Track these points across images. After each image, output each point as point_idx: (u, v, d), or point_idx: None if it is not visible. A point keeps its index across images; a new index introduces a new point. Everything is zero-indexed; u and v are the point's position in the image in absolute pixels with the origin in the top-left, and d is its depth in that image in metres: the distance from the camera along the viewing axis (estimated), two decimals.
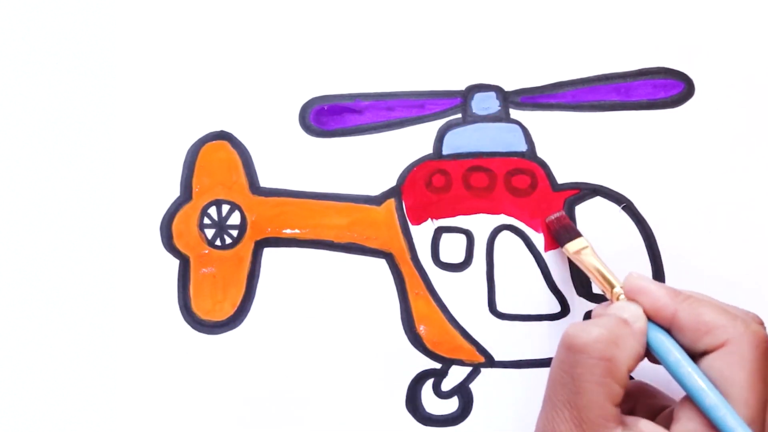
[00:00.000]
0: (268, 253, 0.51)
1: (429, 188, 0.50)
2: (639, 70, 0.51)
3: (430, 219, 0.50)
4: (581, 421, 0.40)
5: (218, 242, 0.51)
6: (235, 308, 0.50)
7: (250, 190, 0.51)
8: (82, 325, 0.51)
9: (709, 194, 0.50)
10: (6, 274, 0.51)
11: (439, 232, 0.50)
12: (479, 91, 0.51)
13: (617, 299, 0.44)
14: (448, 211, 0.50)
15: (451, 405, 0.50)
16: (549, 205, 0.50)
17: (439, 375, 0.50)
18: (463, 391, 0.50)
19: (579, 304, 0.50)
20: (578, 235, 0.48)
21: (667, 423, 0.41)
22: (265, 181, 0.51)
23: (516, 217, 0.50)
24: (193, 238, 0.51)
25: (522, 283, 0.50)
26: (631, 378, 0.46)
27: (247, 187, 0.51)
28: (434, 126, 0.51)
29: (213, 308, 0.50)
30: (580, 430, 0.40)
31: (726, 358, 0.40)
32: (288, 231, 0.51)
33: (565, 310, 0.50)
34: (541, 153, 0.50)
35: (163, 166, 0.51)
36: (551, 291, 0.50)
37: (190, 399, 0.50)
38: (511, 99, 0.51)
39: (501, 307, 0.50)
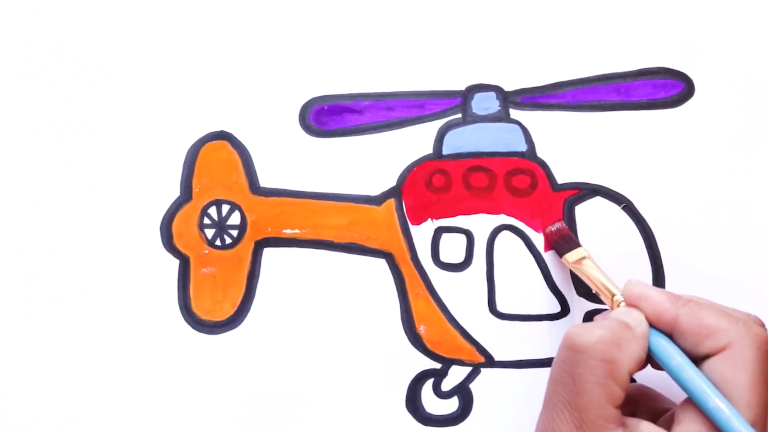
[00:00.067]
0: (268, 253, 0.50)
1: (429, 188, 0.50)
2: (639, 70, 0.50)
3: (430, 219, 0.50)
4: (581, 422, 0.40)
5: (218, 242, 0.51)
6: (235, 308, 0.50)
7: (250, 190, 0.51)
8: (82, 325, 0.50)
9: (709, 194, 0.50)
10: (6, 274, 0.51)
11: (439, 232, 0.50)
12: (479, 91, 0.51)
13: (618, 306, 0.44)
14: (448, 211, 0.50)
15: (451, 405, 0.50)
16: (549, 205, 0.50)
17: (439, 375, 0.50)
18: (463, 391, 0.50)
19: (579, 304, 0.49)
20: (577, 245, 0.48)
21: (668, 426, 0.41)
22: (265, 181, 0.51)
23: (516, 217, 0.50)
24: (193, 238, 0.51)
25: (522, 283, 0.50)
26: (633, 381, 0.45)
27: (247, 187, 0.51)
28: (434, 126, 0.51)
29: (213, 308, 0.50)
30: (580, 430, 0.40)
31: (728, 360, 0.39)
32: (288, 231, 0.50)
33: (565, 310, 0.49)
34: (541, 153, 0.50)
35: (163, 166, 0.51)
36: (551, 291, 0.49)
37: (190, 399, 0.50)
38: (511, 99, 0.50)
39: (501, 307, 0.50)
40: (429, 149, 0.50)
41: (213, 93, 0.51)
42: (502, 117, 0.50)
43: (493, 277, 0.50)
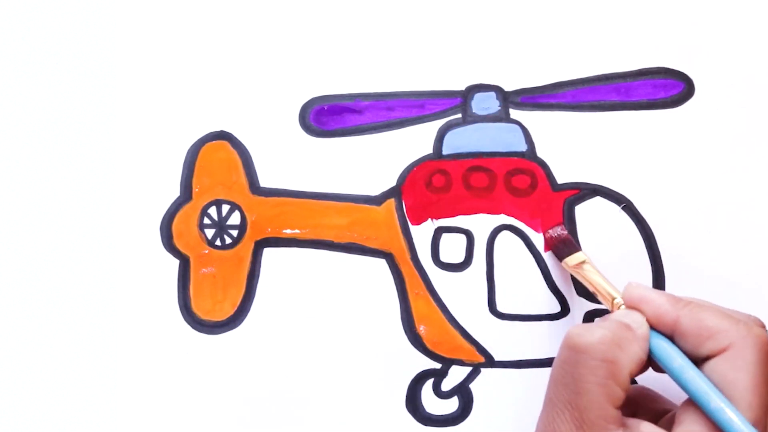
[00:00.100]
0: (268, 253, 0.50)
1: (429, 188, 0.50)
2: (639, 70, 0.50)
3: (430, 219, 0.50)
4: (582, 422, 0.40)
5: (218, 242, 0.50)
6: (235, 308, 0.50)
7: (250, 190, 0.51)
8: (82, 325, 0.50)
9: (709, 194, 0.49)
10: (6, 274, 0.50)
11: (439, 232, 0.50)
12: (479, 91, 0.50)
13: (618, 309, 0.44)
14: (448, 211, 0.50)
15: (451, 405, 0.49)
16: (549, 205, 0.50)
17: (439, 375, 0.49)
18: (463, 391, 0.49)
19: (579, 304, 0.49)
20: (577, 249, 0.48)
21: (668, 427, 0.40)
22: (265, 181, 0.51)
23: (516, 217, 0.50)
24: (193, 238, 0.50)
25: (522, 283, 0.49)
26: (634, 383, 0.45)
27: (247, 187, 0.51)
28: (434, 126, 0.50)
29: (213, 308, 0.50)
30: (580, 430, 0.40)
31: (729, 361, 0.39)
32: (288, 231, 0.50)
33: (565, 310, 0.49)
34: (541, 153, 0.50)
35: (163, 166, 0.51)
36: (551, 291, 0.49)
37: (190, 399, 0.50)
38: (511, 99, 0.50)
39: (501, 307, 0.49)
40: (429, 149, 0.50)
41: (213, 93, 0.51)
42: (502, 117, 0.50)
43: (493, 277, 0.50)
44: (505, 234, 0.50)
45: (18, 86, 0.51)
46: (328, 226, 0.50)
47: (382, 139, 0.50)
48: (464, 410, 0.49)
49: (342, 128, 0.51)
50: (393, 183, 0.50)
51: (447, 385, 0.49)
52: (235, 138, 0.51)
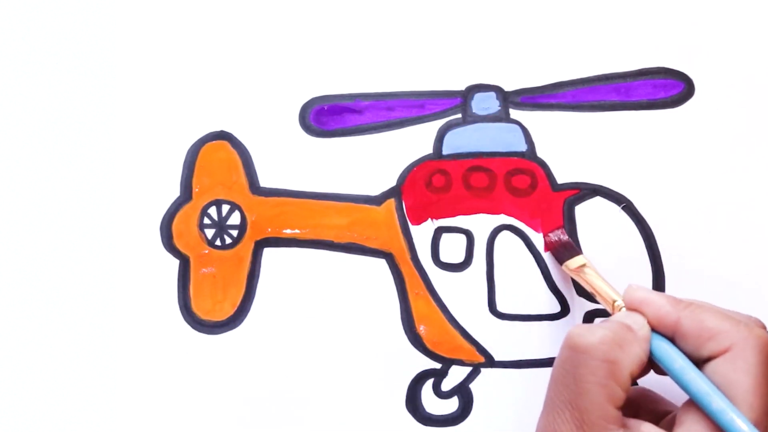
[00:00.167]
0: (268, 253, 0.50)
1: (429, 188, 0.50)
2: (639, 70, 0.50)
3: (430, 219, 0.50)
4: (582, 422, 0.39)
5: (218, 242, 0.50)
6: (235, 308, 0.50)
7: (250, 190, 0.50)
8: (82, 325, 0.50)
9: (709, 194, 0.49)
10: (6, 274, 0.50)
11: (439, 232, 0.50)
12: (479, 91, 0.50)
13: (619, 311, 0.43)
14: (448, 211, 0.50)
15: (451, 405, 0.49)
16: (549, 205, 0.49)
17: (439, 375, 0.49)
18: (463, 391, 0.49)
19: (579, 304, 0.49)
20: (577, 252, 0.47)
21: (669, 428, 0.40)
22: (265, 181, 0.50)
23: (516, 217, 0.49)
24: (193, 238, 0.50)
25: (522, 283, 0.49)
26: (635, 384, 0.45)
27: (247, 187, 0.50)
28: (434, 126, 0.50)
29: (213, 308, 0.50)
30: (581, 431, 0.39)
31: (730, 362, 0.39)
32: (288, 231, 0.50)
33: (565, 310, 0.49)
34: (541, 153, 0.50)
35: (163, 166, 0.50)
36: (551, 291, 0.49)
37: (190, 399, 0.49)
38: (511, 99, 0.50)
39: (501, 307, 0.49)
40: (429, 149, 0.50)
41: (213, 93, 0.51)
42: (502, 117, 0.50)
43: (493, 277, 0.49)
44: (505, 234, 0.49)
45: (18, 86, 0.51)
46: (328, 226, 0.50)
47: (382, 139, 0.50)
48: (464, 410, 0.49)
49: (342, 128, 0.50)
50: (393, 183, 0.50)
51: (447, 385, 0.49)
52: (235, 138, 0.50)
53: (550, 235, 0.49)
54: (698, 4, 0.50)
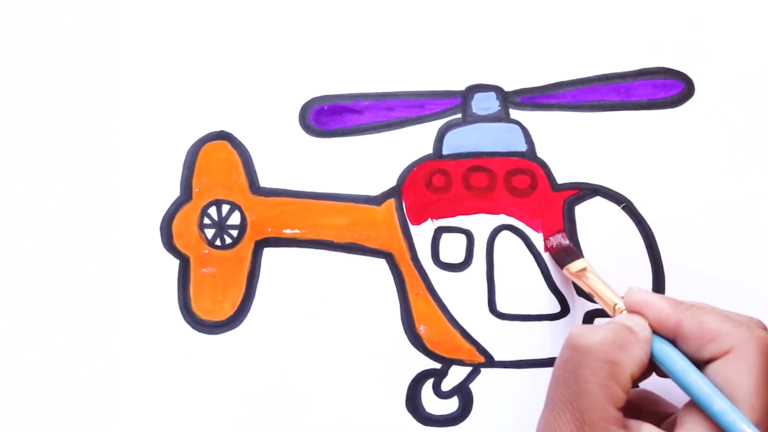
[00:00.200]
0: (268, 253, 0.50)
1: (429, 188, 0.49)
2: (639, 70, 0.50)
3: (430, 219, 0.49)
4: (583, 422, 0.39)
5: (218, 242, 0.50)
6: (235, 308, 0.49)
7: (250, 190, 0.50)
8: (82, 325, 0.50)
9: (709, 194, 0.49)
10: (6, 274, 0.50)
11: (439, 232, 0.49)
12: (479, 91, 0.50)
13: (620, 314, 0.43)
14: (448, 211, 0.49)
15: (451, 405, 0.49)
16: (549, 205, 0.49)
17: (439, 375, 0.49)
18: (463, 391, 0.49)
19: (579, 304, 0.49)
20: (578, 256, 0.47)
21: (670, 430, 0.40)
22: (265, 181, 0.50)
23: (516, 217, 0.49)
24: (193, 238, 0.50)
25: (522, 283, 0.49)
26: (637, 387, 0.45)
27: (247, 187, 0.50)
28: (434, 126, 0.50)
29: (213, 308, 0.49)
30: (581, 431, 0.39)
31: (732, 364, 0.39)
32: (288, 231, 0.50)
33: (565, 310, 0.49)
34: (541, 153, 0.49)
35: (163, 166, 0.50)
36: (551, 291, 0.49)
37: (190, 399, 0.49)
38: (511, 99, 0.50)
39: (501, 307, 0.49)
40: (429, 149, 0.50)
41: (213, 93, 0.50)
42: (502, 117, 0.50)
43: (493, 277, 0.49)
44: (505, 234, 0.49)
45: (18, 86, 0.51)
46: (328, 226, 0.50)
47: (382, 139, 0.50)
48: (464, 410, 0.49)
49: (342, 128, 0.50)
50: (393, 183, 0.50)
51: (447, 385, 0.49)
52: (235, 138, 0.50)
53: (551, 239, 0.48)
54: (698, 4, 0.50)
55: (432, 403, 0.49)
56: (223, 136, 0.50)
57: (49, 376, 0.49)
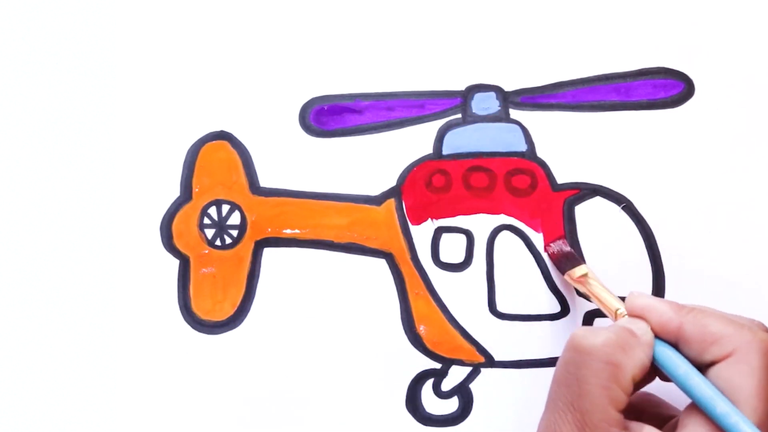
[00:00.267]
0: (268, 253, 0.49)
1: (429, 188, 0.49)
2: (639, 70, 0.49)
3: (430, 219, 0.49)
4: (584, 423, 0.39)
5: (218, 242, 0.49)
6: (235, 308, 0.49)
7: (250, 190, 0.50)
8: (82, 325, 0.49)
9: (709, 194, 0.48)
10: (6, 274, 0.50)
11: (439, 232, 0.49)
12: (479, 91, 0.49)
13: (622, 318, 0.43)
14: (448, 211, 0.49)
15: (451, 405, 0.48)
16: (549, 205, 0.49)
17: (439, 375, 0.48)
18: (463, 391, 0.48)
19: (579, 304, 0.48)
20: (579, 262, 0.47)
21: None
22: (265, 181, 0.50)
23: (516, 217, 0.49)
24: (193, 238, 0.49)
25: (522, 283, 0.48)
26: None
27: (247, 187, 0.50)
28: (434, 126, 0.49)
29: (213, 308, 0.49)
30: None
31: (734, 366, 0.38)
32: (288, 231, 0.49)
33: (565, 310, 0.48)
34: (541, 153, 0.49)
35: (163, 166, 0.50)
36: (551, 291, 0.48)
37: (190, 399, 0.49)
38: (511, 99, 0.49)
39: (501, 307, 0.48)
40: (429, 149, 0.49)
41: (213, 93, 0.50)
42: (502, 117, 0.49)
43: (493, 277, 0.49)
44: (505, 234, 0.49)
45: (18, 86, 0.50)
46: (328, 226, 0.49)
47: (382, 139, 0.49)
48: (464, 410, 0.48)
49: (342, 128, 0.50)
50: (393, 183, 0.49)
51: (447, 385, 0.48)
52: (235, 138, 0.50)
53: (552, 245, 0.48)
54: (698, 4, 0.49)
55: (432, 403, 0.48)
56: (223, 136, 0.50)
57: (49, 376, 0.49)
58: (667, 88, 0.49)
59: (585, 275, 0.46)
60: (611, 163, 0.49)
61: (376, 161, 0.49)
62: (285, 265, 0.49)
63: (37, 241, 0.50)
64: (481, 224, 0.49)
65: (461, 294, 0.49)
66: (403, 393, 0.48)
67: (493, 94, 0.49)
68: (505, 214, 0.49)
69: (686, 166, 0.49)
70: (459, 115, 0.49)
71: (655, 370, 0.41)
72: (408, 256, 0.49)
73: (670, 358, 0.40)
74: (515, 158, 0.49)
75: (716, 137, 0.49)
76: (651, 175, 0.49)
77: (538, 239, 0.49)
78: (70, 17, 0.50)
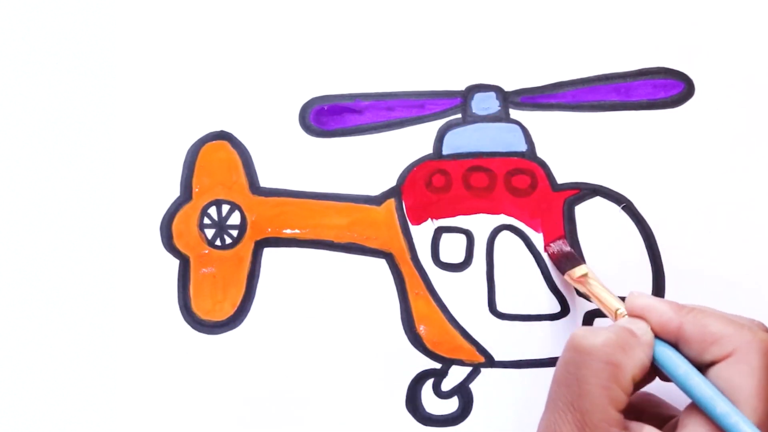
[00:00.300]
0: (268, 253, 0.49)
1: (429, 188, 0.49)
2: (639, 70, 0.49)
3: (430, 219, 0.49)
4: (584, 423, 0.39)
5: (218, 242, 0.49)
6: (235, 308, 0.49)
7: (250, 190, 0.49)
8: (82, 325, 0.49)
9: (709, 194, 0.48)
10: (6, 274, 0.49)
11: (439, 232, 0.49)
12: (479, 91, 0.49)
13: (622, 318, 0.43)
14: (448, 211, 0.49)
15: (451, 405, 0.48)
16: (549, 205, 0.48)
17: (439, 375, 0.48)
18: (463, 391, 0.48)
19: (579, 304, 0.48)
20: (579, 262, 0.46)
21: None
22: (265, 181, 0.49)
23: (516, 217, 0.49)
24: (193, 238, 0.49)
25: (522, 283, 0.48)
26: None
27: (247, 187, 0.49)
28: (434, 126, 0.49)
29: (213, 308, 0.49)
30: None
31: (734, 366, 0.38)
32: (288, 231, 0.49)
33: (565, 310, 0.48)
34: (541, 153, 0.49)
35: (163, 166, 0.50)
36: (551, 291, 0.48)
37: (190, 399, 0.49)
38: (511, 99, 0.49)
39: (501, 307, 0.48)
40: (429, 149, 0.49)
41: (213, 93, 0.50)
42: (502, 117, 0.49)
43: (493, 277, 0.48)
44: (505, 234, 0.49)
45: (18, 86, 0.50)
46: (328, 226, 0.49)
47: (382, 139, 0.49)
48: (464, 410, 0.48)
49: (342, 128, 0.49)
50: (393, 183, 0.49)
51: (447, 385, 0.48)
52: (235, 138, 0.50)
53: (552, 245, 0.48)
54: (698, 4, 0.49)
55: (432, 403, 0.48)
56: (223, 136, 0.50)
57: (49, 376, 0.49)
58: (667, 88, 0.49)
59: (585, 275, 0.46)
60: (611, 163, 0.49)
61: (376, 161, 0.49)
62: (285, 265, 0.49)
63: (37, 241, 0.49)
64: (481, 224, 0.49)
65: (461, 294, 0.49)
66: (403, 393, 0.48)
67: (493, 94, 0.49)
68: (505, 214, 0.49)
69: (686, 166, 0.48)
70: (459, 115, 0.49)
71: (655, 370, 0.41)
72: (408, 256, 0.49)
73: (670, 358, 0.40)
74: (515, 158, 0.49)
75: (716, 137, 0.49)
76: (651, 175, 0.48)
77: (538, 239, 0.48)
78: (70, 17, 0.50)
